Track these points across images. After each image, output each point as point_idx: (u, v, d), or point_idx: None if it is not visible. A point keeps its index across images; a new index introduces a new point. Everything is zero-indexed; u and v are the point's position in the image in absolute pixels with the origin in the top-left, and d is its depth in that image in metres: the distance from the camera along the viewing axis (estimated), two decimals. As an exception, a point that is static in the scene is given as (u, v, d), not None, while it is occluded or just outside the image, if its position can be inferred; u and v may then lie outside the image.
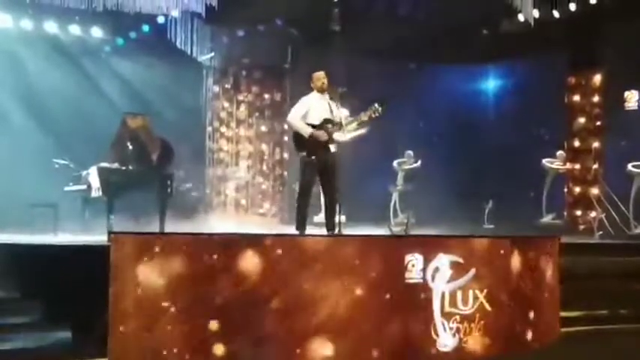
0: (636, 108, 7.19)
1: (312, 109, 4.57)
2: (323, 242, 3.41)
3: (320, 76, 4.61)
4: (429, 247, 3.51)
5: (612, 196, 7.26)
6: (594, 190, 8.18)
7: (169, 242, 3.04)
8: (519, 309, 3.77)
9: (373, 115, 4.55)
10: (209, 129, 8.79)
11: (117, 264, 2.90)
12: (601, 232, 7.12)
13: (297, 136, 4.59)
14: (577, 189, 8.56)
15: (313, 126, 4.53)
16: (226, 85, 8.86)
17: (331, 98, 4.63)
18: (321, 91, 4.60)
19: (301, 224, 4.52)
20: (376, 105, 4.54)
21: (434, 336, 3.45)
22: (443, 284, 3.49)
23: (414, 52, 8.62)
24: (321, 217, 4.85)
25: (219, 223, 7.14)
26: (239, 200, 8.80)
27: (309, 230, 4.70)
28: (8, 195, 6.64)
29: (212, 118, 8.81)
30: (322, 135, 4.47)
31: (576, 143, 8.63)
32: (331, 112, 4.57)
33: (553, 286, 4.04)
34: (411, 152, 8.18)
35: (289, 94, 8.60)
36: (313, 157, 4.48)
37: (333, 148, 4.55)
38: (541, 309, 3.93)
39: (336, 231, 4.50)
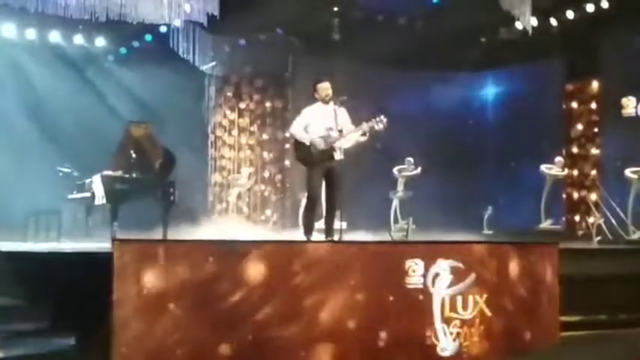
0: (634, 114, 7.25)
1: (316, 119, 4.59)
2: (324, 248, 3.45)
3: (325, 87, 4.60)
4: (429, 252, 3.54)
5: (610, 202, 7.30)
6: (592, 196, 8.22)
7: (172, 249, 3.08)
8: (519, 314, 3.80)
9: (377, 127, 4.56)
10: (211, 137, 8.85)
11: (120, 270, 2.92)
12: (599, 238, 7.15)
13: (299, 148, 4.62)
14: (575, 195, 8.60)
15: (318, 136, 4.54)
16: (228, 94, 8.94)
17: (336, 105, 4.62)
18: (325, 102, 4.62)
19: (308, 231, 4.57)
20: (382, 116, 4.57)
21: (434, 341, 3.48)
22: (443, 289, 3.52)
23: (413, 61, 8.69)
24: (322, 224, 4.89)
25: (221, 229, 7.17)
26: (241, 207, 8.85)
27: (312, 236, 4.74)
28: (12, 203, 6.68)
29: (214, 126, 8.88)
30: (320, 142, 4.52)
31: (574, 149, 8.68)
32: (335, 120, 4.57)
33: (552, 290, 4.07)
34: (411, 159, 8.23)
35: (290, 102, 8.68)
36: (319, 166, 4.52)
37: (337, 155, 4.57)
38: (540, 314, 3.96)
39: (337, 237, 4.54)
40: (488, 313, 3.64)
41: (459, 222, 7.28)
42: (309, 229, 4.55)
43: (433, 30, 8.31)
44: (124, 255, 2.95)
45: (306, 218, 4.59)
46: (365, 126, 4.58)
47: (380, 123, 4.56)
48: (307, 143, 4.52)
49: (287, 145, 8.68)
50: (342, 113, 4.65)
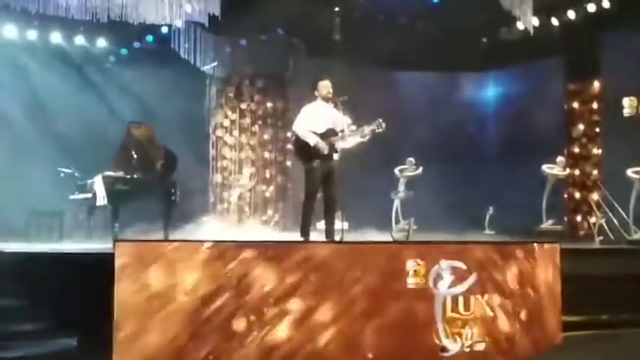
0: (635, 114, 7.24)
1: (316, 117, 4.63)
2: (325, 249, 3.45)
3: (326, 85, 4.66)
4: (430, 253, 3.55)
5: (612, 202, 7.29)
6: (594, 196, 8.21)
7: (174, 249, 3.08)
8: (520, 314, 3.80)
9: (377, 130, 4.64)
10: (212, 137, 8.86)
11: (122, 271, 2.93)
12: (601, 238, 7.14)
13: (300, 145, 4.65)
14: (577, 195, 8.59)
15: (316, 134, 4.59)
16: (229, 94, 8.94)
17: (335, 106, 4.69)
18: (325, 100, 4.66)
19: (306, 231, 4.57)
20: (380, 120, 4.63)
21: (436, 341, 3.48)
22: (444, 290, 3.52)
23: (414, 61, 8.69)
24: (323, 224, 4.90)
25: (222, 230, 7.18)
26: (242, 207, 8.85)
27: (313, 236, 4.74)
28: (14, 204, 6.70)
29: (215, 127, 8.89)
30: (325, 147, 4.55)
31: (576, 149, 8.68)
32: (334, 121, 4.63)
33: (554, 291, 4.06)
34: (412, 159, 8.23)
35: (291, 103, 8.68)
36: (316, 165, 4.54)
37: (336, 155, 4.62)
38: (542, 314, 3.95)
39: (338, 238, 4.55)
40: (490, 314, 3.64)
41: (461, 222, 7.28)
42: (306, 230, 4.55)
43: (434, 30, 8.31)
44: (126, 255, 2.96)
45: (305, 219, 4.58)
46: (366, 129, 4.63)
47: (379, 127, 4.62)
48: (311, 145, 4.53)
49: (288, 146, 8.68)
50: (342, 113, 4.67)
